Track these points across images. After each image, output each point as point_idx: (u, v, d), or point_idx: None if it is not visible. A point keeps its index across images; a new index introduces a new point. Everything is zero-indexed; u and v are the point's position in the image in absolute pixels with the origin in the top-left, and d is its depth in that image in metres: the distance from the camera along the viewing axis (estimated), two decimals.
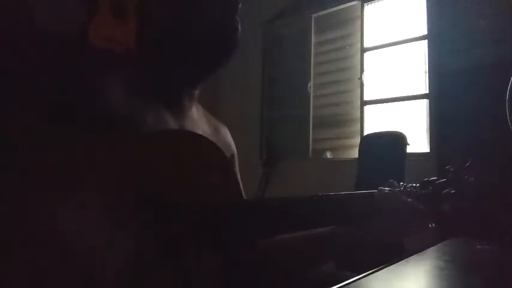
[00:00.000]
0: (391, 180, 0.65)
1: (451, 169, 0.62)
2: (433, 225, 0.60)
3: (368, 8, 3.01)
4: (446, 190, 0.60)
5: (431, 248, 0.65)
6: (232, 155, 0.74)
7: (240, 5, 0.62)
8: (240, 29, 0.62)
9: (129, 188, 0.46)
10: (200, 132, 0.62)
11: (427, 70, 2.60)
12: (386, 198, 0.60)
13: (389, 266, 0.53)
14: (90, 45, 0.59)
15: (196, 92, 0.67)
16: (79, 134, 0.45)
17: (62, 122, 0.45)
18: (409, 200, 0.60)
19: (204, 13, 0.60)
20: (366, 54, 2.98)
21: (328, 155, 3.11)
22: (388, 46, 2.88)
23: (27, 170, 0.42)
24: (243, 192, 0.58)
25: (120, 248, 0.43)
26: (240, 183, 0.66)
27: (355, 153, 2.48)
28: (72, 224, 0.41)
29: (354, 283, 0.45)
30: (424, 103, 2.63)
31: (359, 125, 2.92)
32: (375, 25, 2.97)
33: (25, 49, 0.48)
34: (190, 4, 0.60)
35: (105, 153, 0.46)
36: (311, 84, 3.24)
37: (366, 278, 0.48)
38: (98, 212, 0.43)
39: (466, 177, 0.60)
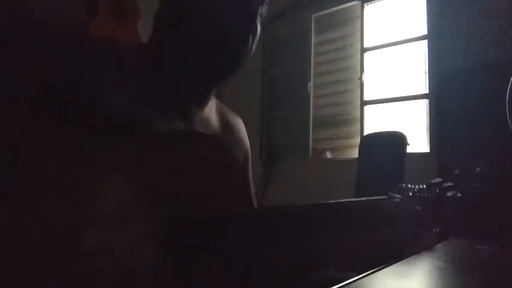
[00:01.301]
0: (400, 184, 0.63)
1: (459, 173, 0.61)
2: (438, 229, 0.60)
3: (368, 8, 3.01)
4: (452, 192, 0.60)
5: (431, 247, 0.65)
6: (246, 153, 0.71)
7: (260, 9, 0.58)
8: (255, 35, 0.58)
9: (133, 191, 0.46)
10: (211, 133, 0.60)
11: (427, 70, 2.60)
12: (396, 208, 0.60)
13: (389, 266, 0.53)
14: (92, 45, 0.59)
15: (210, 96, 0.65)
16: (84, 135, 0.45)
17: (67, 123, 0.45)
18: (418, 208, 0.60)
19: (217, 19, 0.56)
20: (366, 54, 2.97)
21: (328, 155, 3.10)
22: (388, 46, 2.88)
23: (30, 170, 0.42)
24: (253, 196, 0.56)
25: (127, 251, 0.43)
26: (251, 186, 0.64)
27: (355, 153, 2.48)
28: (77, 225, 0.41)
29: (354, 283, 0.45)
30: (424, 103, 2.63)
31: (359, 125, 2.92)
32: (375, 25, 2.97)
33: (27, 49, 0.48)
34: (203, 8, 0.57)
35: (110, 155, 0.46)
36: (311, 84, 3.24)
37: (366, 278, 0.48)
38: (103, 214, 0.43)
39: (475, 184, 0.59)
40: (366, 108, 2.93)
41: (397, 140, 1.99)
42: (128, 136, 0.49)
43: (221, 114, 0.70)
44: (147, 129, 0.53)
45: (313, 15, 3.29)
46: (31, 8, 0.65)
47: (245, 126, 0.76)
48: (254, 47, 0.59)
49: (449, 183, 0.61)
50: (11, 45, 0.48)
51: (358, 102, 2.95)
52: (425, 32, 2.63)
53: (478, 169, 0.60)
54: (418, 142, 2.57)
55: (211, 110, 0.67)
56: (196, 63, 0.59)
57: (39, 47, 0.50)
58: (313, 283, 0.60)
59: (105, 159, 0.46)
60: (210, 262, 0.47)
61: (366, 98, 2.93)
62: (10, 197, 0.40)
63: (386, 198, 0.61)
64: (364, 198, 0.61)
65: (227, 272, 0.48)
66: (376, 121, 2.88)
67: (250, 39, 0.58)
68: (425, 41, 2.63)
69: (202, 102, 0.64)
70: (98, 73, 0.53)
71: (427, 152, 2.52)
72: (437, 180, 0.62)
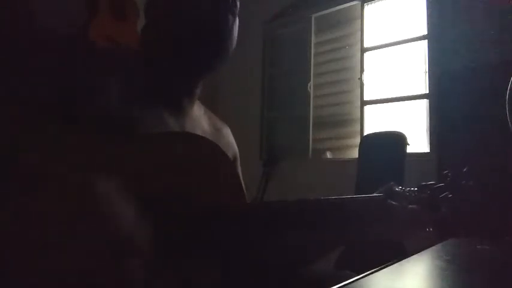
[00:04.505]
0: (391, 183, 0.65)
1: (449, 174, 0.62)
2: (431, 229, 0.60)
3: (368, 8, 3.01)
4: (444, 194, 0.60)
5: (431, 248, 0.65)
6: (235, 156, 0.74)
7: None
8: (231, 19, 0.61)
9: (130, 190, 0.46)
10: (202, 134, 0.62)
11: (427, 70, 2.60)
12: (386, 207, 0.60)
13: (389, 266, 0.53)
14: (92, 45, 0.59)
15: (197, 91, 0.67)
16: (81, 134, 0.45)
17: (64, 121, 0.45)
18: (409, 206, 0.60)
19: (193, 11, 0.60)
20: (366, 54, 2.97)
21: (328, 155, 3.10)
22: (388, 46, 2.88)
23: (30, 170, 0.42)
24: (245, 194, 0.57)
25: (122, 250, 0.43)
26: (243, 185, 0.65)
27: (355, 153, 2.48)
28: (73, 224, 0.41)
29: (354, 283, 0.45)
30: (424, 103, 2.63)
31: (359, 125, 2.92)
32: (375, 25, 2.97)
33: (27, 50, 0.48)
34: (181, 4, 0.60)
35: (106, 154, 0.46)
36: (311, 84, 3.24)
37: (366, 278, 0.48)
38: (98, 213, 0.43)
39: (464, 182, 0.60)
40: (366, 108, 2.93)
41: (397, 140, 1.99)
42: (127, 134, 0.49)
43: (210, 119, 0.72)
44: (144, 129, 0.53)
45: (313, 15, 3.29)
46: (31, 8, 0.65)
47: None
48: (235, 31, 0.62)
49: (441, 184, 0.62)
50: (11, 45, 0.48)
51: (358, 102, 2.95)
52: (425, 32, 2.63)
53: (464, 169, 0.61)
54: (418, 142, 2.57)
55: (200, 114, 0.69)
56: (187, 54, 0.61)
57: (39, 47, 0.50)
58: (313, 283, 0.60)
59: (105, 158, 0.46)
60: (208, 260, 0.47)
61: (366, 98, 2.93)
62: (10, 196, 0.40)
63: (376, 196, 0.62)
64: (350, 196, 0.62)
65: (226, 271, 0.48)
66: (376, 121, 2.88)
67: (226, 24, 0.61)
68: (425, 41, 2.63)
69: (192, 98, 0.66)
70: (98, 73, 0.53)
71: (427, 152, 2.53)
72: (430, 182, 0.63)
